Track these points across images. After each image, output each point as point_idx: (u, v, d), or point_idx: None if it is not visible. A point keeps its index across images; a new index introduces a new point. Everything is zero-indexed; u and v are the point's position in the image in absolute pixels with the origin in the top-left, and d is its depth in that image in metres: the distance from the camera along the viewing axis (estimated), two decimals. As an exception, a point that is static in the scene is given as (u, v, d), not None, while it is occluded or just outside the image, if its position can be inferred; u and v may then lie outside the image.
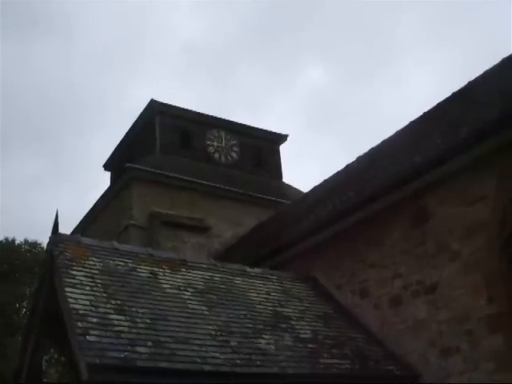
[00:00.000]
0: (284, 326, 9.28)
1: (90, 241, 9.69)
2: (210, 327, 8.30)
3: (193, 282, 9.64)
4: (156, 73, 69.07)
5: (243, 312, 9.24)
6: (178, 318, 8.23)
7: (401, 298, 9.59)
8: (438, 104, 12.38)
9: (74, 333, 7.09)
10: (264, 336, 8.66)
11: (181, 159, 20.75)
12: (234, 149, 22.36)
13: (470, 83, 11.72)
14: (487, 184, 8.44)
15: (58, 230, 8.95)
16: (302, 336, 9.15)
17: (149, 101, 21.56)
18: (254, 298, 9.92)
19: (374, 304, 10.09)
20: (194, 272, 9.99)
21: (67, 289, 7.82)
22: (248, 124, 23.26)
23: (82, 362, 6.65)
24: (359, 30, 67.45)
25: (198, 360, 7.37)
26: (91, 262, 8.83)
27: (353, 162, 14.30)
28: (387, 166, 11.26)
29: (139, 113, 22.16)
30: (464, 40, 63.99)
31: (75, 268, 8.41)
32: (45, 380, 9.26)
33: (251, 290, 10.17)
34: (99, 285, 8.28)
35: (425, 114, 12.62)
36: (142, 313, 7.96)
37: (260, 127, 23.56)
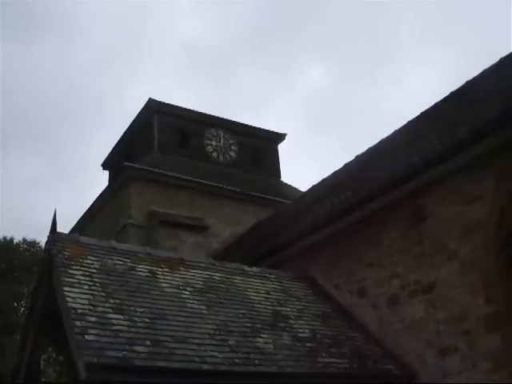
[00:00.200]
0: (282, 325, 9.29)
1: (89, 240, 9.69)
2: (208, 326, 8.31)
3: (191, 281, 9.64)
4: (156, 73, 69.09)
5: (242, 311, 9.24)
6: (176, 318, 8.24)
7: (398, 297, 9.60)
8: (436, 104, 12.39)
9: (73, 332, 7.09)
10: (262, 335, 8.67)
11: (179, 158, 20.76)
12: (233, 148, 22.36)
13: (468, 83, 11.73)
14: (485, 183, 8.45)
15: (56, 229, 8.95)
16: (300, 335, 9.16)
17: (147, 100, 21.57)
18: (253, 297, 9.93)
19: (372, 303, 10.11)
20: (192, 271, 9.99)
21: (65, 288, 7.82)
22: (247, 123, 23.27)
23: (80, 361, 6.65)
24: (359, 29, 67.56)
25: (197, 359, 7.38)
26: (89, 261, 8.82)
27: (351, 162, 14.30)
28: (385, 166, 11.28)
29: (138, 112, 22.18)
30: (464, 40, 64.17)
31: (73, 267, 8.41)
32: (43, 379, 9.26)
33: (250, 289, 10.18)
34: (98, 284, 8.28)
35: (422, 113, 12.63)
36: (141, 312, 7.97)
37: (259, 127, 23.58)
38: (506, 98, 8.52)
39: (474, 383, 8.11)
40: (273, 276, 11.07)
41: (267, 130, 23.69)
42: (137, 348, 7.08)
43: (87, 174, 70.77)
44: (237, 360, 7.70)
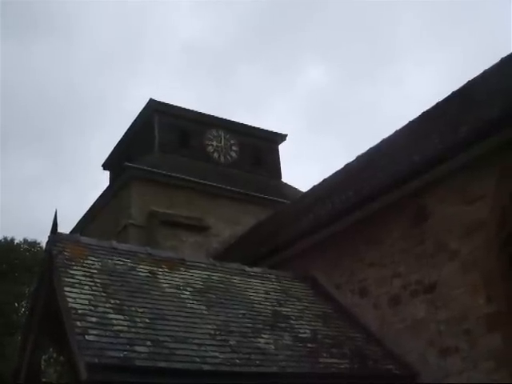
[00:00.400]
0: (283, 325, 9.28)
1: (89, 240, 9.68)
2: (209, 326, 8.30)
3: (192, 281, 9.64)
4: (156, 73, 69.09)
5: (242, 311, 9.23)
6: (176, 318, 8.23)
7: (400, 297, 9.59)
8: (437, 103, 12.38)
9: (73, 332, 7.09)
10: (263, 335, 8.66)
11: (179, 158, 20.75)
12: (233, 148, 22.36)
13: (469, 82, 11.73)
14: (486, 183, 8.43)
15: (56, 229, 8.95)
16: (301, 335, 9.15)
17: (147, 100, 21.57)
18: (253, 298, 9.92)
19: (373, 303, 10.09)
20: (192, 271, 9.99)
21: (66, 288, 7.82)
22: (247, 123, 23.28)
23: (81, 362, 6.65)
24: (360, 29, 67.53)
25: (197, 359, 7.37)
26: (90, 262, 8.82)
27: (352, 162, 14.29)
28: (386, 166, 11.27)
29: (139, 112, 22.18)
30: (464, 39, 64.17)
31: (74, 267, 8.41)
32: (44, 380, 9.27)
33: (250, 290, 10.17)
34: (98, 284, 8.27)
35: (424, 113, 12.62)
36: (141, 312, 7.96)
37: (259, 127, 23.59)
38: (508, 97, 8.51)
39: (475, 383, 8.10)
40: (273, 276, 11.05)
41: (268, 131, 23.69)
42: (137, 348, 7.07)
43: (88, 174, 70.84)
44: (238, 360, 7.69)
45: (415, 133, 11.81)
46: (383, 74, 70.09)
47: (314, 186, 15.62)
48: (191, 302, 8.93)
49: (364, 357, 9.11)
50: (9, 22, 68.09)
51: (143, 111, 21.90)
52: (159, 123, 21.37)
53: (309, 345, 8.93)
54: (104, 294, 8.06)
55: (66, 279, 8.04)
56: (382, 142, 13.63)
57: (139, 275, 9.12)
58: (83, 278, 8.24)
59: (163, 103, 21.63)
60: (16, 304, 31.27)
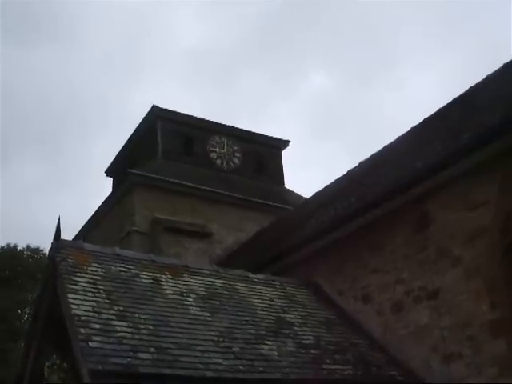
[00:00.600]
0: (287, 331, 9.27)
1: (93, 247, 9.70)
2: (212, 333, 8.30)
3: (195, 287, 9.64)
4: (159, 78, 69.23)
5: (246, 318, 9.23)
6: (180, 324, 8.24)
7: (403, 303, 9.58)
8: (439, 110, 12.39)
9: (77, 339, 7.09)
10: (267, 342, 8.66)
11: (183, 165, 20.79)
12: (236, 155, 22.39)
13: (471, 88, 11.74)
14: (489, 189, 8.43)
15: (60, 236, 8.97)
16: (304, 342, 9.14)
17: (150, 107, 21.62)
18: (257, 304, 9.92)
19: (377, 310, 10.08)
20: (196, 278, 9.99)
21: (69, 295, 7.83)
22: (250, 130, 23.32)
23: (85, 368, 6.65)
24: (362, 34, 67.66)
25: (201, 366, 7.36)
26: (93, 268, 8.84)
27: (354, 168, 14.30)
28: (389, 172, 11.27)
29: (141, 119, 22.24)
30: (465, 43, 64.21)
31: (78, 274, 8.42)
32: (47, 386, 9.26)
33: (254, 296, 10.17)
34: (102, 291, 8.29)
35: (426, 119, 12.63)
36: (145, 319, 7.97)
37: (262, 133, 23.62)
38: (509, 103, 8.52)
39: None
40: (277, 283, 11.05)
41: (271, 137, 23.71)
42: (141, 355, 7.08)
43: (91, 180, 70.72)
44: (241, 367, 7.69)
45: (418, 139, 11.81)
46: (385, 78, 70.12)
47: (317, 192, 15.61)
48: (195, 308, 8.94)
49: (367, 363, 9.10)
50: (10, 26, 68.39)
51: (146, 117, 21.95)
52: (162, 130, 21.41)
53: (312, 351, 8.92)
54: (107, 301, 8.07)
55: (70, 286, 8.05)
56: (384, 148, 13.63)
57: (143, 282, 9.13)
58: (87, 285, 8.25)
59: (166, 110, 21.67)
60: (19, 311, 31.29)
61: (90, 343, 6.93)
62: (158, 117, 21.57)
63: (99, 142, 70.41)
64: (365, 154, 14.35)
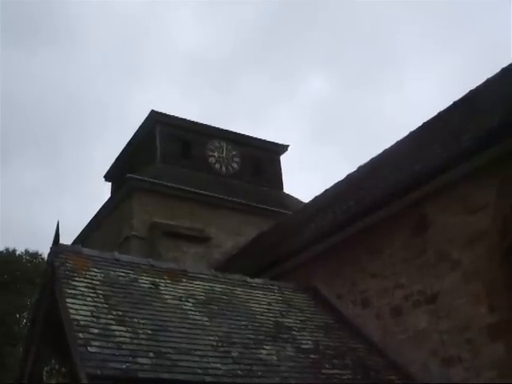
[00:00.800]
0: (285, 336, 9.26)
1: (91, 251, 9.69)
2: (211, 338, 8.29)
3: (194, 292, 9.63)
4: (158, 82, 69.35)
5: (244, 323, 9.22)
6: (179, 329, 8.22)
7: (402, 307, 9.58)
8: (439, 113, 12.40)
9: (75, 344, 7.08)
10: (265, 347, 8.65)
11: (181, 169, 20.79)
12: (235, 159, 22.40)
13: (470, 92, 11.76)
14: (488, 193, 8.44)
15: (58, 240, 8.96)
16: (303, 346, 9.13)
17: (149, 111, 21.63)
18: (255, 309, 9.91)
19: (375, 314, 10.08)
20: (194, 283, 9.98)
21: (68, 299, 7.82)
22: (249, 134, 23.36)
23: (83, 373, 6.64)
24: (360, 37, 67.79)
25: (200, 371, 7.35)
26: (92, 273, 8.83)
27: (353, 172, 14.31)
28: (388, 176, 11.28)
29: (140, 123, 22.25)
30: (465, 44, 64.27)
31: (76, 279, 8.41)
32: (45, 391, 9.23)
33: (252, 301, 10.16)
34: (100, 296, 8.27)
35: (425, 123, 12.64)
36: (144, 324, 7.95)
37: (261, 137, 23.66)
38: (509, 107, 8.53)
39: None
40: (275, 287, 11.04)
41: (270, 142, 23.73)
42: (140, 360, 7.06)
43: (90, 185, 70.83)
44: (240, 372, 7.67)
45: (417, 142, 11.83)
46: (385, 80, 70.31)
47: (316, 197, 15.63)
48: (193, 313, 8.93)
49: (366, 367, 9.09)
50: (9, 29, 68.45)
51: (145, 122, 21.96)
52: (161, 134, 21.41)
53: (311, 356, 8.91)
54: (106, 306, 8.06)
55: (68, 290, 8.04)
56: (383, 152, 13.65)
57: (141, 286, 9.12)
58: (85, 290, 8.24)
59: (165, 114, 21.69)
60: (17, 315, 31.29)
61: (88, 348, 6.91)
62: (156, 121, 21.58)
63: (98, 146, 70.48)
64: (364, 159, 14.40)
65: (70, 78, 71.74)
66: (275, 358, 8.43)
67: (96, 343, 7.05)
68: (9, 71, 67.21)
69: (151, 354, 7.26)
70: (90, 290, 8.29)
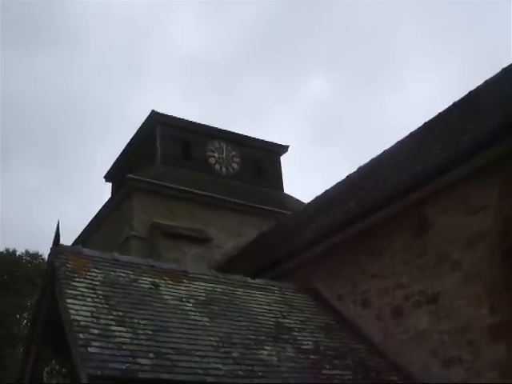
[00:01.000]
0: (286, 337, 9.25)
1: (91, 252, 9.69)
2: (211, 338, 8.28)
3: (194, 293, 9.63)
4: (159, 83, 69.37)
5: (245, 323, 9.22)
6: (179, 330, 8.22)
7: (402, 308, 9.57)
8: (439, 114, 12.39)
9: (76, 344, 7.08)
10: (266, 347, 8.64)
11: (181, 170, 20.78)
12: (235, 160, 22.39)
13: (471, 92, 11.75)
14: (489, 194, 8.43)
15: (59, 241, 8.96)
16: (303, 347, 9.13)
17: (149, 112, 21.63)
18: (256, 310, 9.90)
19: (376, 314, 10.07)
20: (195, 283, 9.98)
21: (68, 300, 7.82)
22: (249, 135, 23.35)
23: (83, 374, 6.64)
24: (360, 38, 67.61)
25: (200, 371, 7.34)
26: (93, 274, 8.83)
27: (354, 173, 14.30)
28: (388, 177, 11.28)
29: (141, 124, 22.24)
30: (466, 45, 64.25)
31: (76, 279, 8.41)
32: (46, 392, 9.22)
33: (253, 302, 10.16)
34: (100, 296, 8.27)
35: (425, 124, 12.63)
36: (144, 324, 7.95)
37: (262, 138, 23.64)
38: (510, 107, 8.52)
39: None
40: (276, 288, 11.04)
41: (270, 142, 23.72)
42: (140, 360, 7.06)
43: (90, 185, 70.80)
44: (240, 372, 7.67)
45: (417, 143, 11.82)
46: (385, 81, 70.33)
47: (317, 197, 15.62)
48: (194, 313, 8.92)
49: (367, 368, 9.08)
50: (10, 30, 68.49)
51: (145, 123, 21.96)
52: (161, 135, 21.41)
53: (311, 356, 8.90)
54: (106, 306, 8.06)
55: (69, 291, 8.04)
56: (383, 152, 13.64)
57: (141, 287, 9.12)
58: (85, 290, 8.24)
59: (165, 115, 21.69)
60: (18, 316, 31.28)
61: (89, 348, 6.91)
62: (156, 122, 21.58)
63: (99, 146, 70.51)
64: (364, 159, 14.35)
65: (71, 78, 71.77)
66: (276, 358, 8.42)
67: (96, 344, 7.04)
68: (9, 72, 67.25)
69: (151, 355, 7.25)
70: (91, 291, 8.29)
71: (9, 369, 24.57)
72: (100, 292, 8.38)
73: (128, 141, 23.08)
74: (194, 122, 22.10)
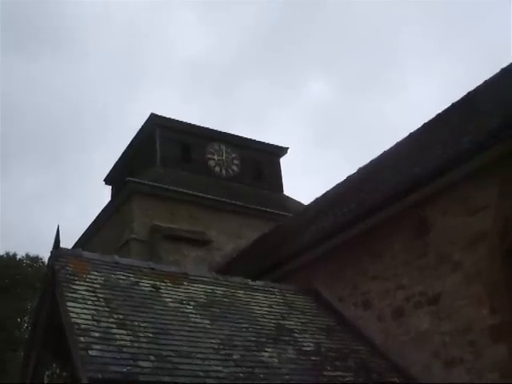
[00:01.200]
0: (287, 338, 9.25)
1: (92, 255, 9.67)
2: (212, 341, 8.28)
3: (195, 295, 9.62)
4: (159, 86, 69.29)
5: (246, 325, 9.21)
6: (180, 332, 8.21)
7: (403, 309, 9.56)
8: (439, 114, 12.39)
9: (76, 347, 7.06)
10: (267, 349, 8.63)
11: (181, 173, 20.78)
12: (235, 162, 22.39)
13: (470, 93, 11.75)
14: (489, 194, 8.43)
15: (59, 244, 8.94)
16: (304, 349, 9.12)
17: (149, 115, 21.63)
18: (257, 311, 9.89)
19: (377, 316, 10.06)
20: (196, 285, 9.97)
21: (69, 303, 7.81)
22: (248, 137, 23.32)
23: (84, 377, 6.61)
24: (360, 41, 67.52)
25: (201, 374, 7.34)
26: (93, 277, 8.81)
27: (353, 174, 14.30)
28: (388, 178, 11.27)
29: (140, 127, 22.25)
30: (466, 45, 64.25)
31: (77, 282, 8.40)
32: (47, 395, 9.21)
33: (253, 304, 10.15)
34: (101, 299, 8.26)
35: (425, 124, 12.63)
36: (144, 327, 7.94)
37: (261, 140, 23.62)
38: (509, 107, 8.52)
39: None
40: (276, 290, 11.03)
41: (269, 144, 23.72)
42: (141, 363, 7.05)
43: (91, 189, 70.73)
44: (241, 374, 7.66)
45: (417, 144, 11.82)
46: (385, 83, 70.25)
47: (317, 199, 15.61)
48: (194, 316, 8.91)
49: (368, 369, 9.07)
50: (10, 36, 68.52)
51: (145, 125, 21.96)
52: (161, 137, 21.41)
53: (313, 358, 8.89)
54: (107, 309, 8.05)
55: (69, 294, 8.03)
56: (383, 153, 13.64)
57: (142, 290, 9.11)
58: (86, 293, 8.23)
59: (165, 117, 21.69)
60: (18, 319, 31.25)
61: (89, 352, 6.91)
62: (156, 124, 21.58)
63: (99, 150, 70.43)
64: (365, 162, 14.31)
65: (70, 82, 71.88)
66: (277, 360, 8.42)
67: (97, 347, 7.04)
68: (9, 77, 67.26)
69: (152, 358, 7.25)
70: (91, 294, 8.28)
71: (10, 373, 24.52)
72: (100, 295, 8.37)
73: (128, 144, 23.09)
74: (194, 125, 22.09)
